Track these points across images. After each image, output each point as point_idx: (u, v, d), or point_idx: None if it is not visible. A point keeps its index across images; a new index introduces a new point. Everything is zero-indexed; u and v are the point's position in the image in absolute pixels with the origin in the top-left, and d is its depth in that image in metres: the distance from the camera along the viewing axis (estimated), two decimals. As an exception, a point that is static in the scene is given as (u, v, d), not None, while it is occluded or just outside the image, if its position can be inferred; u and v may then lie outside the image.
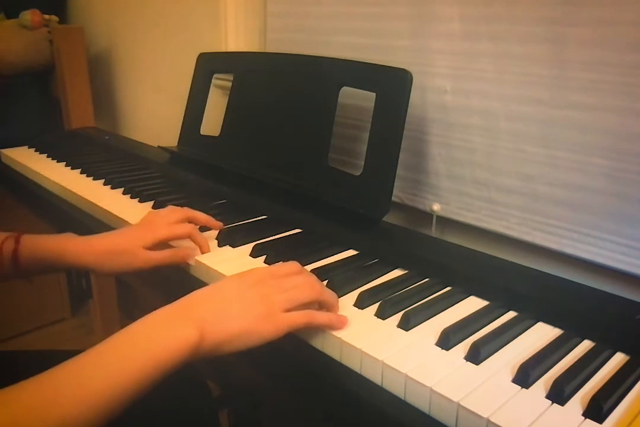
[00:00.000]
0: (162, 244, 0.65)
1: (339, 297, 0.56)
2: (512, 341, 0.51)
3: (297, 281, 0.52)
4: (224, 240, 0.69)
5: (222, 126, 0.97)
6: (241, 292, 0.50)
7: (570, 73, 0.64)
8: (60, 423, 0.38)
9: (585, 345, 0.51)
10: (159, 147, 1.08)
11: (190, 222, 0.69)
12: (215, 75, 1.03)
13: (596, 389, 0.43)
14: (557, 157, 0.67)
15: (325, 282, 0.59)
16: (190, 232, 0.66)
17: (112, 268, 0.63)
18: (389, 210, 0.72)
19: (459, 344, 0.49)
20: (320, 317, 0.50)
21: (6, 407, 0.37)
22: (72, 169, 1.03)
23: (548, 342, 0.50)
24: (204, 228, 0.71)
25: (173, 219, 0.67)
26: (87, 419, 0.39)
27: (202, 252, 0.67)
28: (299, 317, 0.49)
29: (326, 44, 0.90)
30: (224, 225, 0.73)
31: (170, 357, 0.43)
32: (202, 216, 0.70)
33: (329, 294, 0.53)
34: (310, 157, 0.82)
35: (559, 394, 0.42)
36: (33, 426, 0.37)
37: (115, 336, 0.44)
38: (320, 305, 0.53)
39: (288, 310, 0.49)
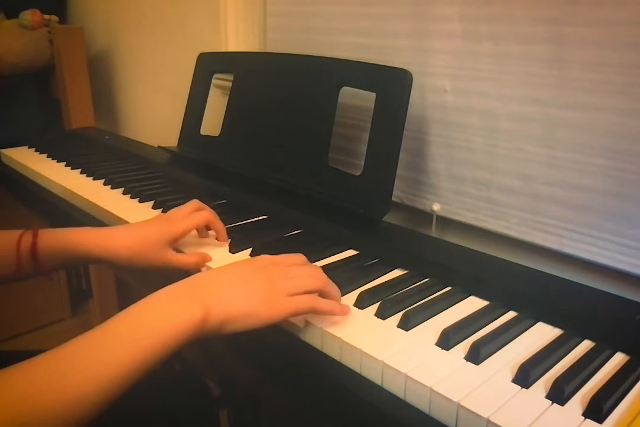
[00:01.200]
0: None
1: (339, 297, 0.56)
2: (512, 341, 0.51)
3: (302, 270, 0.53)
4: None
5: (222, 126, 0.97)
6: (247, 275, 0.50)
7: (570, 73, 0.64)
8: (75, 397, 0.38)
9: (585, 345, 0.51)
10: (159, 147, 1.08)
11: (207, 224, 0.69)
12: (215, 75, 1.03)
13: (596, 389, 0.43)
14: (557, 157, 0.67)
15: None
16: (209, 218, 0.67)
17: (131, 264, 0.61)
18: (389, 210, 0.72)
19: (459, 344, 0.49)
20: (323, 303, 0.51)
21: (25, 385, 0.37)
22: (72, 169, 1.03)
23: (548, 342, 0.50)
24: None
25: (186, 211, 0.66)
26: (99, 392, 0.39)
27: (219, 240, 0.68)
28: (303, 302, 0.50)
29: (326, 44, 0.90)
30: (224, 225, 0.73)
31: (175, 334, 0.43)
32: (218, 226, 0.69)
33: (333, 286, 0.53)
34: (310, 157, 0.82)
35: (559, 394, 0.42)
36: (50, 400, 0.37)
37: (121, 314, 0.44)
38: (323, 296, 0.53)
39: (292, 295, 0.50)
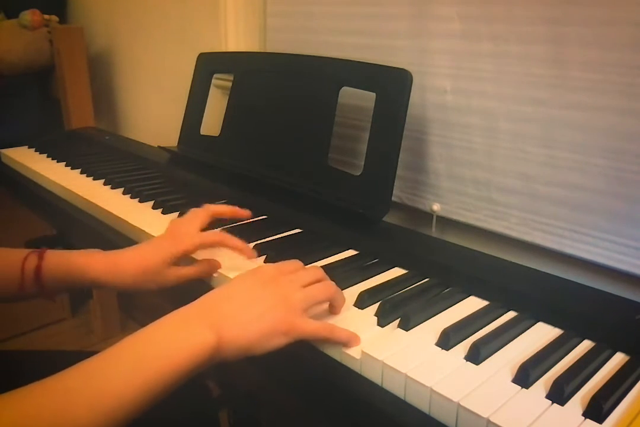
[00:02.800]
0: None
1: (339, 297, 0.56)
2: (512, 341, 0.51)
3: (309, 277, 0.52)
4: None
5: (222, 126, 0.97)
6: (258, 293, 0.49)
7: (570, 73, 0.64)
8: (69, 425, 0.36)
9: (585, 345, 0.51)
10: (159, 147, 1.08)
11: (216, 217, 0.66)
12: (215, 75, 1.03)
13: (596, 389, 0.43)
14: (557, 157, 0.67)
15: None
16: (221, 240, 0.62)
17: (138, 288, 0.59)
18: (389, 210, 0.72)
19: (459, 344, 0.49)
20: (340, 333, 0.49)
21: (15, 411, 0.36)
22: (72, 169, 1.03)
23: (548, 342, 0.50)
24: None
25: (198, 225, 0.62)
26: (99, 423, 0.38)
27: (248, 258, 0.62)
28: (322, 330, 0.49)
29: (326, 44, 0.90)
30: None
31: (187, 360, 0.42)
32: (226, 209, 0.67)
33: (340, 292, 0.53)
34: (310, 157, 0.82)
35: (559, 394, 0.42)
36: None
37: (129, 338, 0.43)
38: (331, 303, 0.53)
39: (306, 309, 0.49)
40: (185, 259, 0.62)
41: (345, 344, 0.49)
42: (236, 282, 0.51)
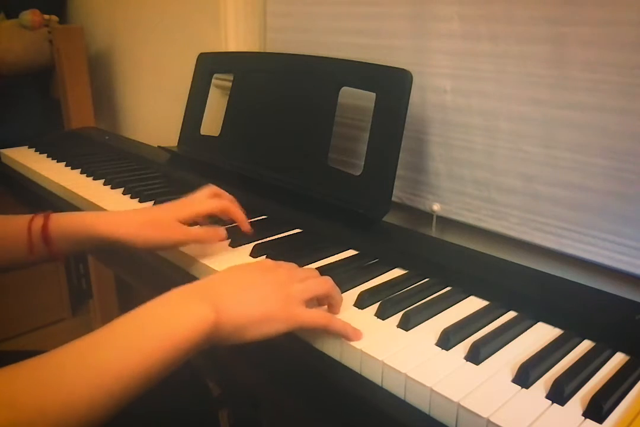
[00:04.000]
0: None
1: (339, 297, 0.56)
2: (512, 341, 0.51)
3: (306, 273, 0.53)
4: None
5: (222, 126, 0.97)
6: (257, 277, 0.49)
7: (570, 73, 0.64)
8: (63, 404, 0.35)
9: (585, 345, 0.51)
10: (159, 147, 1.08)
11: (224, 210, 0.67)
12: (215, 75, 1.03)
13: (596, 389, 0.43)
14: (557, 157, 0.67)
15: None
16: (230, 208, 0.66)
17: (147, 240, 0.60)
18: (389, 210, 0.72)
19: (459, 344, 0.49)
20: (338, 323, 0.49)
21: (5, 386, 0.35)
22: (72, 169, 1.03)
23: (548, 342, 0.50)
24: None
25: (207, 193, 0.66)
26: (96, 401, 0.36)
27: (243, 230, 0.67)
28: (319, 318, 0.48)
29: (326, 44, 0.90)
30: (224, 225, 0.73)
31: (187, 336, 0.41)
32: (235, 212, 0.68)
33: (338, 290, 0.53)
34: (310, 157, 0.82)
35: (559, 394, 0.42)
36: (31, 406, 0.34)
37: (127, 315, 0.42)
38: (329, 300, 0.53)
39: (305, 301, 0.49)
40: (181, 258, 0.62)
41: (345, 337, 0.49)
42: (235, 268, 0.51)
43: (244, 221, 0.68)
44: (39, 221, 0.60)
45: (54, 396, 0.35)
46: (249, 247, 0.67)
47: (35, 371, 0.36)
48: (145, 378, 0.39)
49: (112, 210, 0.62)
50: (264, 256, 0.65)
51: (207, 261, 0.64)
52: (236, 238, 0.69)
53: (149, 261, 0.71)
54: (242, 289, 0.47)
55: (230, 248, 0.68)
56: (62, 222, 0.60)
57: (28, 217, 0.61)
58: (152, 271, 0.63)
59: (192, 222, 0.64)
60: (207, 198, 0.66)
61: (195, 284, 0.47)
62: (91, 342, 0.39)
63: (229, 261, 0.65)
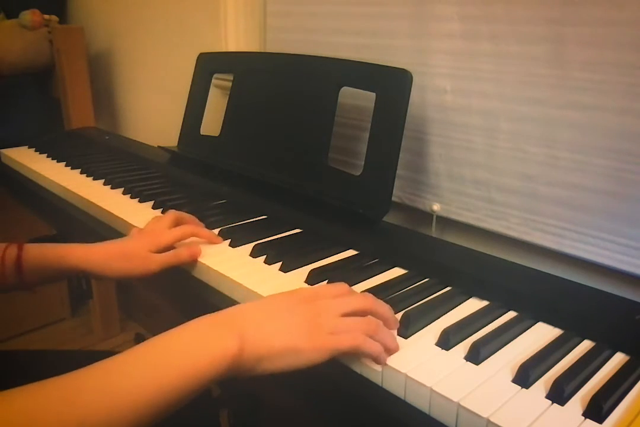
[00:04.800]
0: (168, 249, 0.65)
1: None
2: (512, 341, 0.51)
3: (351, 305, 0.48)
4: (223, 240, 0.69)
5: (222, 126, 0.97)
6: (289, 307, 0.46)
7: (570, 73, 0.64)
8: (80, 425, 0.35)
9: (585, 345, 0.51)
10: (159, 147, 1.08)
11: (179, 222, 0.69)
12: (215, 75, 1.03)
13: (596, 389, 0.43)
14: (557, 157, 0.67)
15: (324, 282, 0.59)
16: (193, 231, 0.67)
17: (120, 271, 0.61)
18: (389, 210, 0.72)
19: (459, 344, 0.49)
20: (368, 346, 0.45)
21: (24, 404, 0.35)
22: (72, 169, 1.03)
23: (548, 342, 0.50)
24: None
25: (167, 223, 0.67)
26: (110, 424, 0.36)
27: (215, 243, 0.68)
28: (346, 340, 0.45)
29: (326, 44, 0.90)
30: (224, 225, 0.74)
31: (207, 367, 0.40)
32: (189, 221, 0.70)
33: (386, 331, 0.48)
34: (310, 157, 0.82)
35: (559, 394, 0.42)
36: (51, 425, 0.35)
37: (148, 342, 0.42)
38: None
39: (335, 333, 0.45)
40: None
41: (375, 360, 0.46)
42: (271, 297, 0.49)
43: (212, 238, 0.69)
44: (12, 251, 0.62)
45: (71, 417, 0.36)
46: (249, 247, 0.67)
47: (56, 391, 0.37)
48: (161, 407, 0.39)
49: (85, 244, 0.64)
50: (264, 256, 0.65)
51: (207, 261, 0.64)
52: (236, 238, 0.69)
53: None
54: (269, 318, 0.45)
55: (230, 248, 0.68)
56: (35, 253, 0.62)
57: (1, 246, 0.62)
58: (159, 274, 0.63)
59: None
60: (168, 228, 0.66)
61: (222, 312, 0.46)
62: (112, 367, 0.39)
63: (229, 261, 0.65)
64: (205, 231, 0.69)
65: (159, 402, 0.38)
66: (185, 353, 0.41)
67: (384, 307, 0.50)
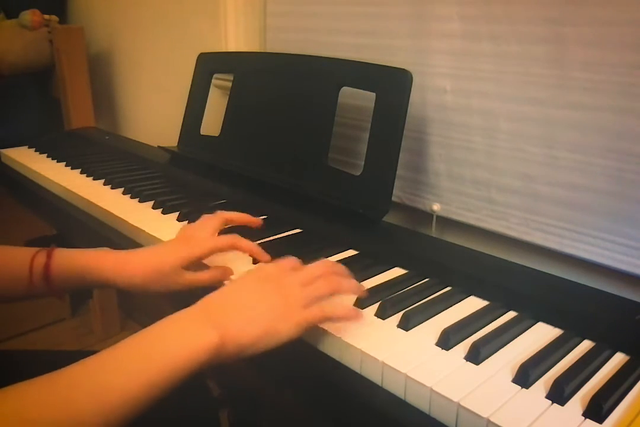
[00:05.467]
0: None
1: (339, 297, 0.56)
2: (512, 341, 0.51)
3: (310, 274, 0.52)
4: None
5: (222, 126, 0.97)
6: (259, 290, 0.49)
7: (570, 73, 0.64)
8: (73, 421, 0.37)
9: (585, 345, 0.51)
10: (159, 147, 1.08)
11: (227, 224, 0.65)
12: (215, 75, 1.03)
13: (596, 389, 0.43)
14: (557, 157, 0.67)
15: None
16: (233, 243, 0.61)
17: (149, 290, 0.58)
18: (389, 210, 0.72)
19: (459, 344, 0.49)
20: (338, 311, 0.50)
21: (17, 402, 0.36)
22: (72, 169, 1.03)
23: (548, 342, 0.50)
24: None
25: (210, 230, 0.62)
26: (103, 418, 0.38)
27: (263, 261, 0.62)
28: (317, 313, 0.49)
29: (326, 44, 0.90)
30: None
31: (190, 359, 0.42)
32: (239, 216, 0.67)
33: (347, 285, 0.53)
34: (310, 157, 0.82)
35: (559, 394, 0.42)
36: (42, 421, 0.36)
37: (133, 337, 0.43)
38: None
39: (307, 306, 0.49)
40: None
41: (348, 320, 0.50)
42: (238, 282, 0.51)
43: (258, 254, 0.62)
44: (41, 258, 0.59)
45: (64, 413, 0.37)
46: (249, 247, 0.67)
47: (47, 388, 0.38)
48: (148, 397, 0.40)
49: (117, 253, 0.60)
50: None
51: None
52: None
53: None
54: (244, 305, 0.47)
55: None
56: (65, 262, 0.59)
57: (31, 251, 0.59)
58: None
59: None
60: (212, 235, 0.61)
61: (198, 306, 0.47)
62: (99, 363, 0.41)
63: (230, 261, 0.65)
64: (250, 245, 0.62)
65: (146, 394, 0.40)
66: (168, 349, 0.43)
67: (340, 268, 0.54)
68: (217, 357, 0.44)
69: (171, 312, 0.47)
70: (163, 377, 0.41)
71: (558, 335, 0.52)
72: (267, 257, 0.62)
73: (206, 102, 1.02)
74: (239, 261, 0.64)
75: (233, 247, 0.61)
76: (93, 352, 0.42)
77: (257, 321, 0.46)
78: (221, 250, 0.61)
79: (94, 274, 0.58)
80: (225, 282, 0.61)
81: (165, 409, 0.68)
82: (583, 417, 0.41)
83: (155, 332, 0.44)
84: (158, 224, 0.76)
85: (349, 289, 0.53)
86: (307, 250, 0.67)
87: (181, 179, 0.96)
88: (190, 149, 1.03)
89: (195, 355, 0.43)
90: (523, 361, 0.46)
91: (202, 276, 0.59)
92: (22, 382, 0.38)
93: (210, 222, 0.63)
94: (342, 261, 0.65)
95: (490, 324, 0.53)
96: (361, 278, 0.61)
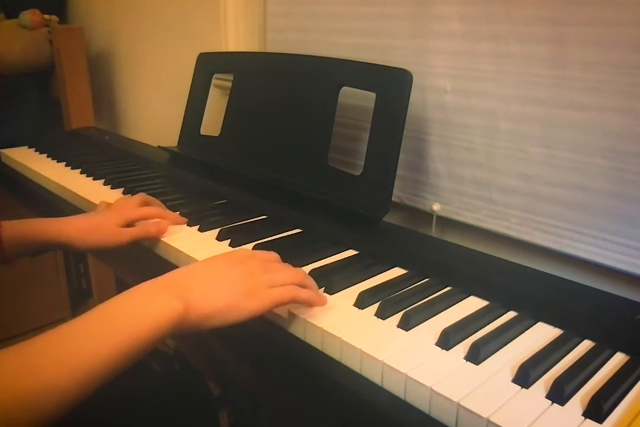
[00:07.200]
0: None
1: (339, 297, 0.56)
2: (512, 341, 0.51)
3: (280, 265, 0.55)
4: (223, 240, 0.69)
5: (222, 126, 0.97)
6: (227, 268, 0.51)
7: (570, 73, 0.64)
8: (43, 387, 0.38)
9: (585, 345, 0.51)
10: (159, 147, 1.08)
11: (146, 204, 0.75)
12: (215, 75, 1.03)
13: (596, 389, 0.43)
14: (557, 157, 0.67)
15: (325, 282, 0.59)
16: (159, 212, 0.72)
17: (93, 243, 0.67)
18: (389, 210, 0.72)
19: (459, 344, 0.49)
20: (302, 293, 0.52)
21: None
22: (72, 169, 1.03)
23: (548, 342, 0.50)
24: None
25: (137, 202, 0.73)
26: (72, 385, 0.39)
27: (180, 224, 0.73)
28: (282, 292, 0.50)
29: (326, 44, 0.90)
30: (224, 225, 0.74)
31: (155, 327, 0.44)
32: (154, 202, 0.76)
33: (311, 280, 0.55)
34: (310, 157, 0.82)
35: (559, 394, 0.42)
36: (15, 389, 0.37)
37: (102, 305, 0.45)
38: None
39: (271, 287, 0.51)
40: (182, 258, 0.64)
41: (309, 302, 0.52)
42: (209, 260, 0.54)
43: (177, 220, 0.73)
44: None
45: (36, 380, 0.38)
46: (249, 247, 0.67)
47: (17, 357, 0.39)
48: (117, 363, 0.42)
49: (58, 218, 0.70)
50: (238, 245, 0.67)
51: (165, 231, 0.67)
52: (236, 238, 0.69)
53: (150, 261, 0.71)
54: (210, 279, 0.50)
55: (230, 248, 0.68)
56: (12, 229, 0.67)
57: None
58: (153, 271, 0.63)
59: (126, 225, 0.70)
60: (138, 206, 0.73)
61: (165, 277, 0.50)
62: (69, 331, 0.42)
63: (197, 238, 0.66)
64: (170, 213, 0.74)
65: (114, 360, 0.41)
66: (133, 316, 0.44)
67: (310, 281, 0.55)
68: (181, 325, 0.46)
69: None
70: (130, 344, 0.42)
71: (558, 335, 0.52)
72: (183, 220, 0.74)
73: (206, 102, 1.02)
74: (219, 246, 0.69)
75: (158, 216, 0.72)
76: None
77: (219, 294, 0.48)
78: (149, 217, 0.72)
79: (38, 237, 0.67)
80: (162, 238, 0.69)
81: (165, 409, 0.68)
82: (583, 417, 0.41)
83: (122, 300, 0.46)
84: (158, 224, 0.76)
85: (309, 295, 0.52)
86: (307, 250, 0.67)
87: (181, 179, 0.96)
88: (190, 149, 1.03)
89: (160, 322, 0.44)
90: (523, 361, 0.46)
91: (137, 229, 0.69)
92: None
93: (134, 198, 0.75)
94: (342, 261, 0.66)
95: (490, 324, 0.53)
96: (361, 278, 0.61)
